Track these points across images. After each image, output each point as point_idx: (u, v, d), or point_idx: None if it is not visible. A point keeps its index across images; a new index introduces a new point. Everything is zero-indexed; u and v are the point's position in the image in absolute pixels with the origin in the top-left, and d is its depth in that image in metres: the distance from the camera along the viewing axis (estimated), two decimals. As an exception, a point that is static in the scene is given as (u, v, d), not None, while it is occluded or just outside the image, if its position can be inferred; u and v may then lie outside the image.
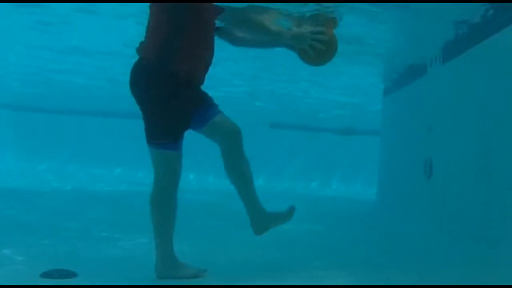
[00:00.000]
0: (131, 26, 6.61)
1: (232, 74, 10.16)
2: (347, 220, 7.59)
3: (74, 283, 3.39)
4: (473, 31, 5.30)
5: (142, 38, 3.52)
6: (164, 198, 3.50)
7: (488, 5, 4.74)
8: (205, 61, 3.52)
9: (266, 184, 14.11)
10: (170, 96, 3.36)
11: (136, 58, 3.49)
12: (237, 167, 3.64)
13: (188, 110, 3.46)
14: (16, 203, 7.38)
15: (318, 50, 3.61)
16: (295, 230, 6.19)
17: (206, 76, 3.59)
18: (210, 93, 3.63)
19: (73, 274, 3.52)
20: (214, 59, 3.60)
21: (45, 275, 3.48)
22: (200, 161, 10.85)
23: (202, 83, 3.58)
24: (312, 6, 4.97)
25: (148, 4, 3.55)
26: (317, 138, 16.37)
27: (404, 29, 6.13)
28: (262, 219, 3.75)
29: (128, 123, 16.25)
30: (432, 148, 6.21)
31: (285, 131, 16.52)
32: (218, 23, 3.61)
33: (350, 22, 5.49)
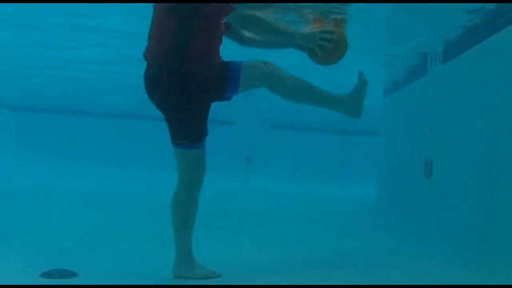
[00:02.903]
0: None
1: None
2: (346, 220, 7.58)
3: (74, 283, 3.39)
4: (473, 31, 5.30)
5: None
6: (186, 197, 3.51)
7: (487, 5, 4.74)
8: (213, 60, 3.52)
9: (266, 184, 14.14)
10: (186, 95, 3.38)
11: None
12: (292, 95, 3.64)
13: (205, 108, 3.47)
14: (16, 203, 7.38)
15: (327, 49, 3.60)
16: (294, 230, 6.20)
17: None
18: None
19: (73, 274, 3.53)
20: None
21: (45, 275, 3.48)
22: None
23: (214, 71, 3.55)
24: (320, 5, 4.97)
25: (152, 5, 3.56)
26: (317, 138, 16.37)
27: (404, 29, 6.13)
28: (349, 106, 3.83)
29: (129, 124, 16.32)
30: (432, 148, 6.21)
31: (285, 131, 16.52)
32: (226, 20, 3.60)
33: (351, 22, 5.50)
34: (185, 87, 3.38)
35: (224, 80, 3.47)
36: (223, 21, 3.53)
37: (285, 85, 3.56)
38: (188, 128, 3.46)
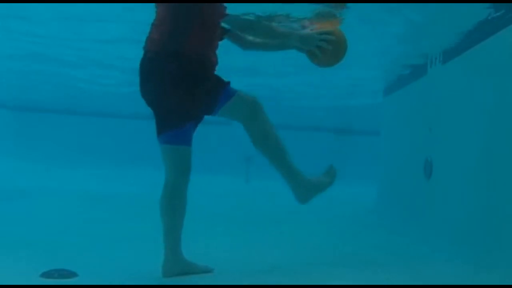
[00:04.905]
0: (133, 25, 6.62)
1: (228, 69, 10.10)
2: (346, 220, 7.59)
3: (74, 283, 3.39)
4: (473, 31, 5.30)
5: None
6: (174, 195, 3.53)
7: (488, 5, 4.74)
8: (211, 57, 3.57)
9: (266, 184, 14.15)
10: (176, 83, 3.42)
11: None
12: (260, 139, 3.60)
13: (194, 98, 3.48)
14: (15, 203, 7.38)
15: (325, 51, 3.59)
16: (294, 230, 6.20)
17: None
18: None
19: (73, 274, 3.53)
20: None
21: (45, 275, 3.49)
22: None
23: (211, 70, 3.60)
24: (315, 6, 4.96)
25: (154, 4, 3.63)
26: (317, 138, 16.38)
27: (404, 29, 6.13)
28: (303, 188, 3.70)
29: (129, 124, 16.32)
30: (432, 148, 6.21)
31: (285, 131, 16.53)
32: (227, 26, 3.64)
33: (350, 22, 5.50)
34: (178, 75, 3.42)
35: (217, 94, 3.49)
36: (222, 26, 3.59)
37: (259, 125, 3.61)
38: (172, 116, 3.48)
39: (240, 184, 13.96)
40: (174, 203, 3.54)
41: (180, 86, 3.42)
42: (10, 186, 9.52)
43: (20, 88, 14.30)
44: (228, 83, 3.54)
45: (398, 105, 8.51)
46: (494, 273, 3.82)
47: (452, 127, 5.69)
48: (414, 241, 5.47)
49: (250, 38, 3.80)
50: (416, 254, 4.78)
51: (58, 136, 16.21)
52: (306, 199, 3.70)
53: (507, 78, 4.44)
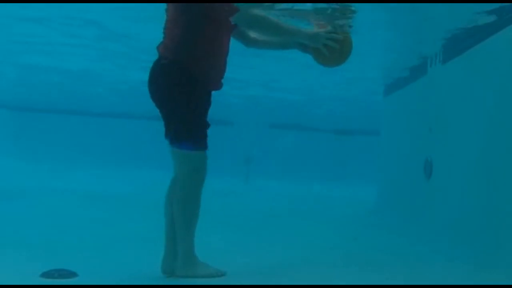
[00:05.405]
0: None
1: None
2: (347, 220, 7.59)
3: (74, 283, 3.39)
4: (473, 31, 5.30)
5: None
6: (190, 198, 3.49)
7: (488, 5, 4.74)
8: (222, 61, 3.55)
9: (266, 185, 14.16)
10: (189, 94, 3.40)
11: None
12: (179, 198, 3.48)
13: (206, 109, 3.48)
14: (15, 203, 7.38)
15: (332, 49, 3.58)
16: (294, 230, 6.21)
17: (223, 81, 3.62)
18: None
19: (73, 274, 3.53)
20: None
21: (45, 275, 3.48)
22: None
23: (219, 85, 3.59)
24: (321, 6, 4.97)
25: (165, 4, 3.60)
26: (317, 138, 16.39)
27: (404, 29, 6.14)
28: (187, 259, 3.49)
29: (129, 124, 16.33)
30: (432, 149, 6.21)
31: (285, 131, 16.53)
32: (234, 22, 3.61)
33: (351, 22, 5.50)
34: (187, 84, 3.40)
35: (186, 135, 3.43)
36: (231, 22, 3.56)
37: (193, 192, 3.49)
38: (187, 127, 3.45)
39: (240, 184, 13.95)
40: (188, 206, 3.48)
41: (188, 99, 3.40)
42: (10, 186, 9.53)
43: (20, 88, 14.30)
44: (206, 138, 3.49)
45: (398, 105, 8.52)
46: (494, 273, 3.82)
47: (452, 127, 5.69)
48: (414, 241, 5.47)
49: (254, 35, 3.78)
50: (416, 254, 4.77)
51: (59, 136, 16.21)
52: (181, 271, 3.48)
53: (507, 78, 4.44)
